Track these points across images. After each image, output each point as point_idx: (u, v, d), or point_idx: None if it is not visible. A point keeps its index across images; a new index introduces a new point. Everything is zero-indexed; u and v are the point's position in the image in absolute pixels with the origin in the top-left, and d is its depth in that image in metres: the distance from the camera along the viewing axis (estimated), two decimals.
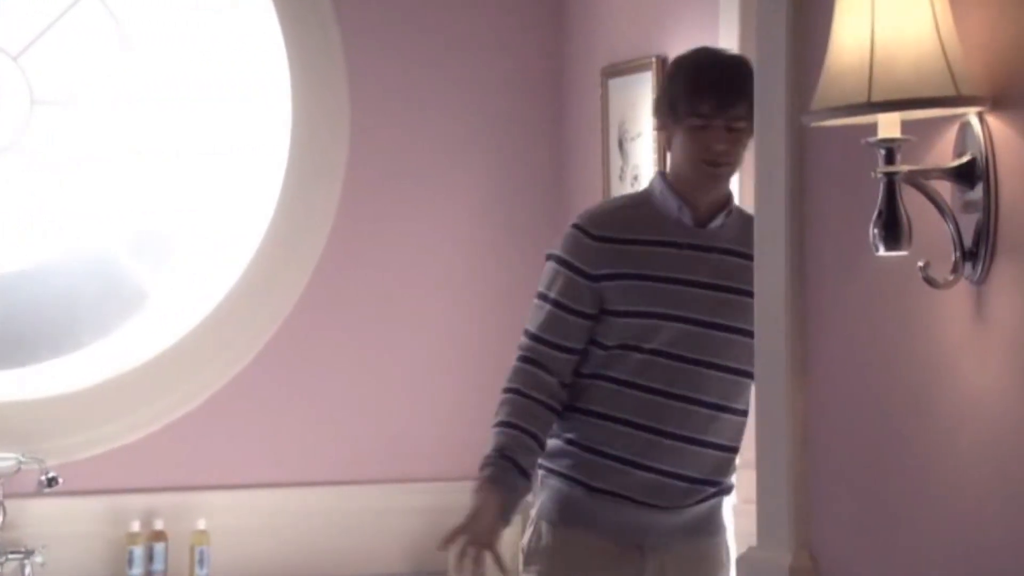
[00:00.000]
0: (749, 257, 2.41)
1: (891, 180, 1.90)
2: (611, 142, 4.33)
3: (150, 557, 4.14)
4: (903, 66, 1.83)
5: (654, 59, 4.07)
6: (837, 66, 1.89)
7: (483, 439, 2.85)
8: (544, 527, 2.88)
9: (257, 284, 4.36)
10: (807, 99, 2.01)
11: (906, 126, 1.90)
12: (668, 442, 2.80)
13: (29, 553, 3.99)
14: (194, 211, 4.44)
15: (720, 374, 2.79)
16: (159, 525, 4.18)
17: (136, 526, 4.15)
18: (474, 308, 4.49)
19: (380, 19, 4.43)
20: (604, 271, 2.82)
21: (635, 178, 4.24)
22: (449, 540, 2.72)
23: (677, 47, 4.04)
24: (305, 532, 4.33)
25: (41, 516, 4.08)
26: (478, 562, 2.70)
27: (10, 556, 3.97)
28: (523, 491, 2.80)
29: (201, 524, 4.17)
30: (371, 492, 4.37)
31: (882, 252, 1.93)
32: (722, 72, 2.79)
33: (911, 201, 1.92)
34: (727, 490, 2.94)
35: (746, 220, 2.66)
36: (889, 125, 1.89)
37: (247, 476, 4.32)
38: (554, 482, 2.88)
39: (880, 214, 1.91)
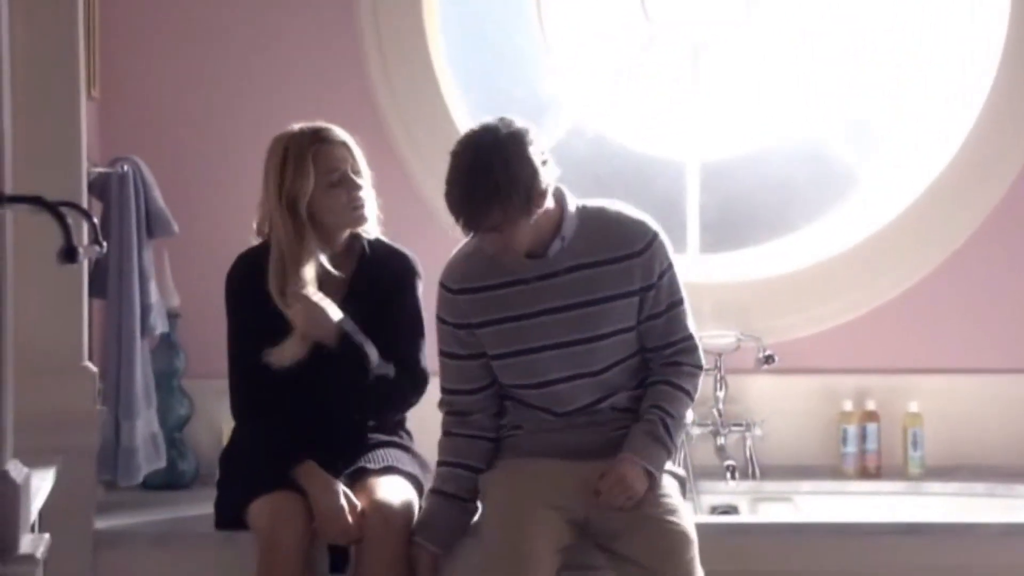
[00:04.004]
0: (600, 263, 2.93)
1: None
2: None
3: (863, 436, 4.21)
4: None
5: None
6: None
7: None
8: None
9: (967, 168, 4.29)
10: None
11: None
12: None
13: (749, 426, 4.18)
14: (905, 95, 4.43)
15: (586, 381, 3.02)
16: (871, 406, 4.23)
17: (848, 406, 4.22)
18: None
19: None
20: (472, 320, 3.08)
21: None
22: None
23: None
24: (1017, 419, 4.26)
25: (759, 392, 4.24)
26: None
27: (732, 428, 4.16)
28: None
29: (913, 407, 4.19)
30: None
31: None
32: (461, 192, 2.87)
33: None
34: None
35: (592, 226, 2.97)
36: None
37: (958, 360, 4.29)
38: None
39: None
